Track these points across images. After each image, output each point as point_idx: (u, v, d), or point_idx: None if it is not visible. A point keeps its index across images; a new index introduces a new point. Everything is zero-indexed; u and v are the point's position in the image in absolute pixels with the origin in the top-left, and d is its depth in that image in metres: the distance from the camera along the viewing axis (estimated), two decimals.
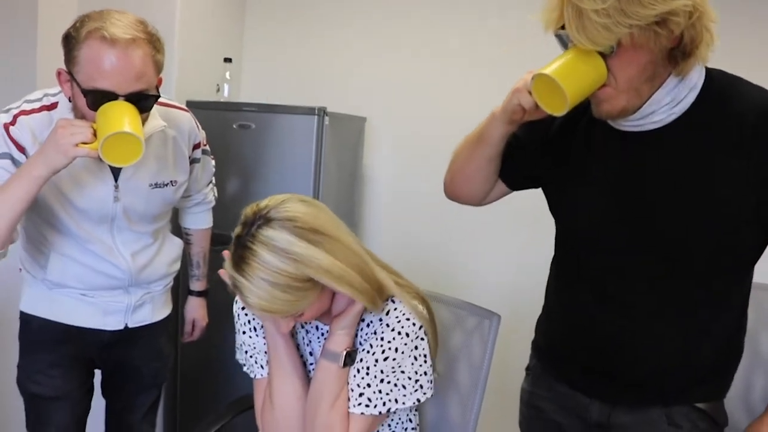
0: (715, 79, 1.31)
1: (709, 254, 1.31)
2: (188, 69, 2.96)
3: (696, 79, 1.29)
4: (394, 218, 3.33)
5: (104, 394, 2.04)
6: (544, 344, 1.59)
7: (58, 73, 1.61)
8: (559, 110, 1.28)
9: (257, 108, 2.92)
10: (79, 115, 1.61)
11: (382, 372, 1.41)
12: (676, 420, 1.39)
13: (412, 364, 1.43)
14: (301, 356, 1.53)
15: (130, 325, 1.89)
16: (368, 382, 1.42)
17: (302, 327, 1.56)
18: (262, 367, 1.56)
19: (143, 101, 1.57)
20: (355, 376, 1.43)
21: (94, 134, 1.50)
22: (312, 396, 1.44)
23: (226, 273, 1.33)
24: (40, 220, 1.74)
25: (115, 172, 1.72)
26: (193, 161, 1.94)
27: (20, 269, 1.88)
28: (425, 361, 1.45)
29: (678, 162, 1.30)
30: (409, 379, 1.44)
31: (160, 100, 1.69)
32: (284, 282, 1.27)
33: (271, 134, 2.87)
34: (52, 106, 1.67)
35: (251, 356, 1.57)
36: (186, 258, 2.16)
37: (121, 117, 1.49)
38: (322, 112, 2.84)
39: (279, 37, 3.60)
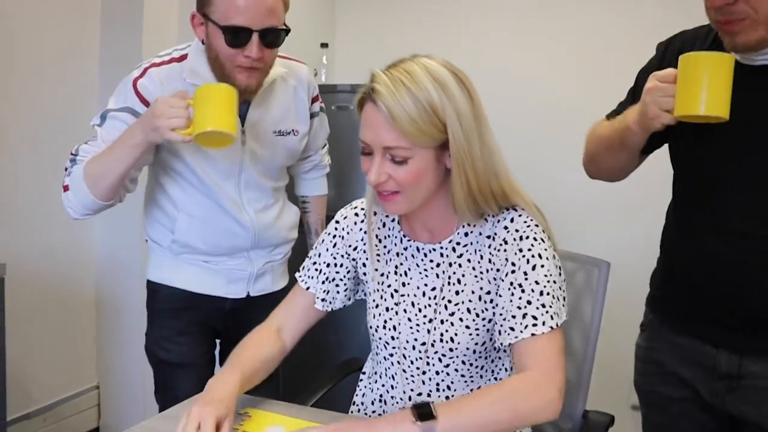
0: None
1: None
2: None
3: None
4: None
5: (223, 364, 2.10)
6: (662, 297, 1.56)
7: (192, 17, 1.69)
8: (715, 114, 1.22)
9: (353, 89, 2.96)
10: (213, 56, 1.67)
11: (537, 283, 1.28)
12: None
13: (556, 268, 1.32)
14: (390, 287, 1.44)
15: (252, 294, 1.94)
16: (527, 299, 1.28)
17: (401, 244, 1.45)
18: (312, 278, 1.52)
19: (276, 36, 1.65)
20: (511, 300, 1.29)
21: (189, 119, 1.53)
22: None
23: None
24: (171, 180, 1.81)
25: (242, 116, 1.77)
26: (312, 115, 1.99)
27: (146, 240, 1.95)
28: (560, 274, 1.33)
29: None
30: (560, 289, 1.32)
31: (280, 53, 1.75)
32: (423, 99, 1.23)
33: None
34: (182, 58, 1.76)
35: (318, 271, 1.52)
36: (304, 228, 2.19)
37: (218, 108, 1.51)
38: None
39: (368, 21, 3.64)
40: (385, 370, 1.48)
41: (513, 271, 1.31)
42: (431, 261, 1.41)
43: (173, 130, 1.52)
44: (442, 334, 1.38)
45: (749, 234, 1.35)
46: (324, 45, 3.32)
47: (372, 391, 1.54)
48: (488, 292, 1.36)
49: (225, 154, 1.78)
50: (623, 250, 2.86)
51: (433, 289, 1.41)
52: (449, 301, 1.38)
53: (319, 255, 1.53)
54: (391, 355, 1.46)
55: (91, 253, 2.92)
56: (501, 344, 1.31)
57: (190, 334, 1.91)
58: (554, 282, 1.30)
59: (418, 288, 1.42)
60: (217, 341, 2.04)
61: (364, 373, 1.61)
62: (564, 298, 1.33)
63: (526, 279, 1.29)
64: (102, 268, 2.93)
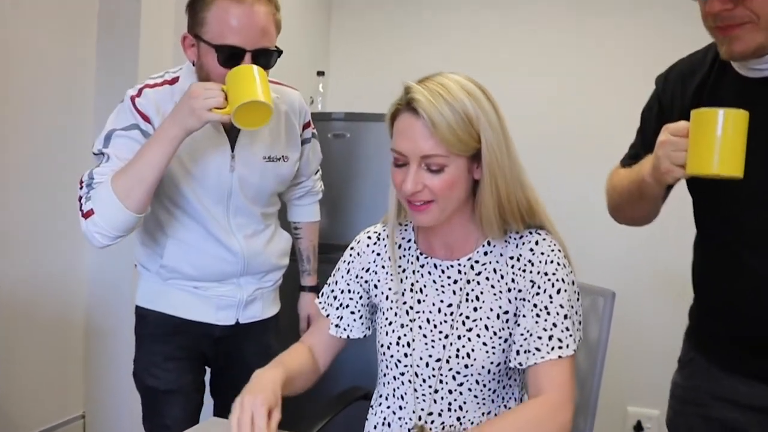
0: None
1: None
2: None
3: None
4: None
5: (213, 392, 2.07)
6: (704, 332, 1.48)
7: (183, 38, 1.70)
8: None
9: (347, 117, 2.96)
10: (204, 77, 1.67)
11: (561, 307, 1.34)
12: None
13: (575, 293, 1.38)
14: (405, 304, 1.46)
15: (241, 321, 1.92)
16: (553, 321, 1.33)
17: (417, 262, 1.48)
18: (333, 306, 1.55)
19: (268, 57, 1.66)
20: (537, 322, 1.34)
21: (225, 98, 1.56)
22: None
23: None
24: (160, 205, 1.79)
25: (232, 141, 1.79)
26: (303, 141, 1.98)
27: (135, 265, 1.93)
28: (577, 299, 1.39)
29: None
30: (576, 313, 1.37)
31: (271, 78, 1.74)
32: (460, 109, 1.29)
33: (366, 142, 2.90)
34: (174, 81, 1.76)
35: (337, 300, 1.55)
36: (295, 254, 2.18)
37: (252, 83, 1.55)
38: None
39: (364, 48, 3.66)
40: (393, 390, 1.47)
41: (537, 294, 1.35)
42: (449, 278, 1.44)
43: (210, 110, 1.54)
44: (458, 350, 1.39)
45: None
46: (320, 73, 3.32)
47: (375, 415, 1.52)
48: (506, 312, 1.39)
49: (214, 177, 1.78)
50: (626, 277, 2.85)
51: (450, 305, 1.42)
52: (467, 317, 1.40)
53: (336, 282, 1.57)
54: (402, 374, 1.45)
55: (81, 277, 2.88)
56: (520, 364, 1.34)
57: (178, 360, 1.88)
58: (572, 307, 1.36)
59: (433, 305, 1.44)
60: (207, 368, 2.01)
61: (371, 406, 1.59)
62: (580, 323, 1.39)
63: (551, 302, 1.34)
64: (92, 293, 2.89)
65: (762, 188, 1.29)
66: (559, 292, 1.34)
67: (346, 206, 2.94)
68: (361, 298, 1.54)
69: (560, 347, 1.31)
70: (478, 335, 1.38)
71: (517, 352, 1.35)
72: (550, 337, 1.32)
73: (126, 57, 2.75)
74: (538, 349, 1.32)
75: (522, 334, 1.35)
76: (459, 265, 1.43)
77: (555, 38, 3.40)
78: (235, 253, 1.85)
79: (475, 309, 1.40)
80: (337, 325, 1.54)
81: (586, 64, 3.34)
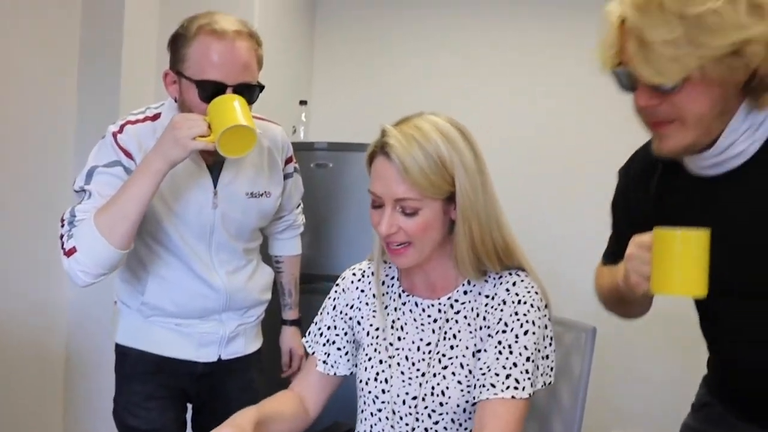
0: None
1: None
2: (267, 114, 3.04)
3: None
4: None
5: (194, 429, 2.04)
6: (720, 384, 1.45)
7: (165, 75, 1.70)
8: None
9: (330, 147, 2.96)
10: (186, 112, 1.66)
11: (525, 348, 1.32)
12: None
13: (544, 339, 1.37)
14: (385, 341, 1.46)
15: (224, 357, 1.90)
16: (514, 361, 1.31)
17: (399, 299, 1.48)
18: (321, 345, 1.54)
19: (250, 92, 1.65)
20: (498, 358, 1.32)
21: (209, 128, 1.56)
22: None
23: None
24: (142, 242, 1.77)
25: (214, 178, 1.78)
26: (286, 176, 1.98)
27: (115, 302, 1.91)
28: (550, 344, 1.38)
29: None
30: (543, 358, 1.36)
31: (253, 114, 1.74)
32: (433, 153, 1.30)
33: (349, 172, 2.90)
34: (155, 117, 1.76)
35: (324, 338, 1.54)
36: (277, 288, 2.17)
37: (233, 109, 1.56)
38: None
39: (347, 78, 3.67)
40: (371, 427, 1.46)
41: (504, 331, 1.34)
42: (429, 316, 1.44)
43: (194, 138, 1.54)
44: (433, 388, 1.38)
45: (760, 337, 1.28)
46: (303, 102, 3.32)
47: None
48: (480, 350, 1.38)
49: (196, 214, 1.77)
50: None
51: (428, 343, 1.42)
52: (443, 355, 1.40)
53: (322, 319, 1.57)
54: (380, 410, 1.44)
55: (61, 312, 2.84)
56: (475, 398, 1.33)
57: (160, 399, 1.85)
58: (538, 351, 1.34)
59: (413, 342, 1.43)
60: (189, 405, 1.98)
61: None
62: (551, 368, 1.38)
63: (516, 341, 1.33)
64: (72, 328, 2.86)
65: (730, 282, 1.25)
66: (526, 333, 1.33)
67: (328, 236, 2.93)
68: (346, 334, 1.53)
69: (516, 387, 1.29)
70: (453, 373, 1.37)
71: (475, 386, 1.34)
72: (508, 376, 1.30)
73: (107, 91, 2.76)
74: (493, 385, 1.30)
75: (481, 369, 1.33)
76: (439, 304, 1.43)
77: (543, 67, 3.43)
78: (217, 290, 1.83)
79: (452, 347, 1.39)
80: (324, 362, 1.53)
81: (576, 93, 3.38)
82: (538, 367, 1.34)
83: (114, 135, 1.70)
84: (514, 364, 1.31)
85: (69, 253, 1.59)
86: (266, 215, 1.93)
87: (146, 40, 2.86)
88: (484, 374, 1.32)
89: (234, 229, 1.84)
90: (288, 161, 1.99)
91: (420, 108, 3.33)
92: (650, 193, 1.36)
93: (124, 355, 1.89)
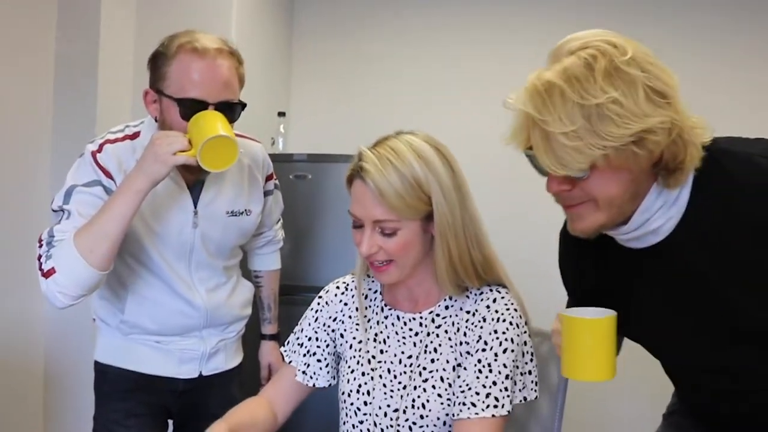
0: (704, 163, 1.16)
1: None
2: (245, 125, 3.04)
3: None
4: None
5: None
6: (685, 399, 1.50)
7: (145, 94, 1.68)
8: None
9: (310, 158, 2.96)
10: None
11: (504, 366, 1.34)
12: None
13: (523, 356, 1.39)
14: (368, 353, 1.47)
15: (205, 373, 1.89)
16: (493, 379, 1.33)
17: (381, 313, 1.50)
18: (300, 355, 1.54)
19: (231, 110, 1.64)
20: (478, 377, 1.34)
21: (189, 143, 1.55)
22: None
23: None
24: (121, 260, 1.75)
25: (195, 198, 1.77)
26: (266, 193, 1.97)
27: (93, 319, 1.90)
28: (531, 359, 1.41)
29: (703, 264, 1.18)
30: (522, 374, 1.39)
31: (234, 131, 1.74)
32: (408, 175, 1.31)
33: (327, 184, 2.90)
34: (135, 135, 1.74)
35: (302, 348, 1.55)
36: (256, 302, 2.16)
37: (214, 123, 1.56)
38: None
39: (325, 89, 3.68)
40: None
41: (484, 350, 1.36)
42: (410, 330, 1.46)
43: (175, 154, 1.53)
44: (414, 400, 1.40)
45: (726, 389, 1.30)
46: (281, 114, 3.33)
47: None
48: (459, 364, 1.40)
49: (177, 233, 1.76)
50: None
51: (410, 356, 1.44)
52: (424, 368, 1.41)
53: (302, 330, 1.58)
54: (362, 422, 1.45)
55: (38, 330, 2.81)
56: (455, 415, 1.34)
57: (140, 416, 1.83)
58: (517, 368, 1.37)
59: (395, 355, 1.45)
60: (170, 422, 1.97)
61: None
62: (534, 382, 1.41)
63: (495, 360, 1.35)
64: (50, 347, 2.83)
65: (677, 342, 1.29)
66: (505, 351, 1.35)
67: (307, 248, 2.93)
68: (327, 346, 1.54)
69: (495, 406, 1.32)
70: (434, 386, 1.39)
71: (455, 404, 1.36)
72: (488, 395, 1.33)
73: (83, 105, 2.74)
74: (473, 404, 1.32)
75: (461, 387, 1.36)
76: (421, 317, 1.45)
77: (525, 79, 3.45)
78: (197, 308, 1.82)
79: (432, 361, 1.41)
80: (304, 372, 1.54)
81: None
82: (516, 383, 1.37)
83: (93, 154, 1.68)
84: (494, 383, 1.33)
85: (47, 274, 1.56)
86: (246, 233, 1.93)
87: (122, 51, 2.85)
88: (463, 392, 1.35)
89: (213, 247, 1.83)
90: (268, 178, 1.98)
91: (397, 119, 3.37)
92: (588, 259, 1.36)
93: (104, 373, 1.87)
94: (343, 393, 1.48)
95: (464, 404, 1.33)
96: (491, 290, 1.42)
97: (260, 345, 2.21)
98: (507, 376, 1.34)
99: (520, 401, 1.38)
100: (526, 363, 1.40)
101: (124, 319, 1.80)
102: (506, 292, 1.42)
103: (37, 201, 2.65)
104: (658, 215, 1.17)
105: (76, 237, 1.56)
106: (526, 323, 1.41)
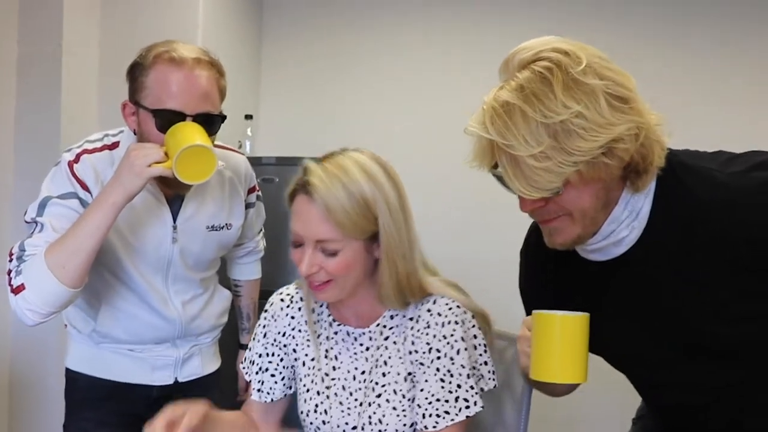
0: (664, 177, 1.17)
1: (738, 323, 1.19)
2: None
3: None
4: None
5: None
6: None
7: (123, 106, 1.64)
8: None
9: (279, 161, 2.96)
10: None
11: (463, 367, 1.35)
12: None
13: (475, 349, 1.39)
14: (320, 371, 1.46)
15: (180, 379, 1.86)
16: (458, 383, 1.35)
17: (330, 328, 1.47)
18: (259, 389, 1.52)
19: (210, 122, 1.59)
20: (443, 386, 1.34)
21: (166, 155, 1.51)
22: None
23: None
24: (96, 272, 1.71)
25: (174, 212, 1.73)
26: (248, 206, 1.93)
27: (65, 325, 1.86)
28: (485, 351, 1.40)
29: (665, 278, 1.19)
30: (482, 365, 1.39)
31: (216, 142, 1.71)
32: (357, 193, 1.28)
33: None
34: (114, 146, 1.69)
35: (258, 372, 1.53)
36: (235, 311, 2.13)
37: (191, 134, 1.51)
38: None
39: (294, 92, 3.68)
40: None
41: (438, 358, 1.36)
42: (361, 345, 1.44)
43: (150, 165, 1.48)
44: (370, 417, 1.39)
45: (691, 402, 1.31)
46: (248, 117, 3.31)
47: None
48: (410, 373, 1.39)
49: (154, 249, 1.72)
50: None
51: (363, 372, 1.42)
52: (377, 383, 1.40)
53: (252, 348, 1.55)
54: None
55: (3, 335, 2.76)
56: (426, 427, 1.34)
57: (112, 425, 1.80)
58: (477, 361, 1.39)
59: (348, 372, 1.43)
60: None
61: None
62: (492, 371, 1.41)
63: (453, 364, 1.35)
64: (16, 353, 2.78)
65: (639, 356, 1.30)
66: (459, 352, 1.35)
67: (275, 251, 2.91)
68: (282, 360, 1.51)
69: (467, 407, 1.34)
70: (387, 400, 1.38)
71: (424, 416, 1.35)
72: (457, 399, 1.34)
73: (48, 110, 2.69)
74: (447, 413, 1.33)
75: (427, 398, 1.35)
76: (369, 332, 1.43)
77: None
78: (172, 321, 1.79)
79: (384, 374, 1.40)
80: (259, 390, 1.51)
81: None
82: (480, 376, 1.38)
83: (70, 164, 1.63)
84: (459, 386, 1.34)
85: (17, 290, 1.52)
86: (227, 246, 1.90)
87: (87, 55, 2.81)
88: (431, 403, 1.34)
89: (192, 261, 1.80)
90: (251, 191, 1.94)
91: (366, 122, 3.37)
92: (550, 277, 1.35)
93: (75, 380, 1.84)
94: (302, 413, 1.47)
95: (439, 415, 1.34)
96: (426, 298, 1.40)
97: (239, 354, 2.18)
98: (468, 375, 1.35)
99: (481, 390, 1.39)
100: (480, 354, 1.40)
101: (97, 329, 1.77)
102: (441, 296, 1.40)
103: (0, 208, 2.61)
104: (624, 225, 1.17)
105: (48, 252, 1.51)
106: (473, 317, 1.40)
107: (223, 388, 2.02)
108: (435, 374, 1.35)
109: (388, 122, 3.48)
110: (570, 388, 1.29)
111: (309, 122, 3.59)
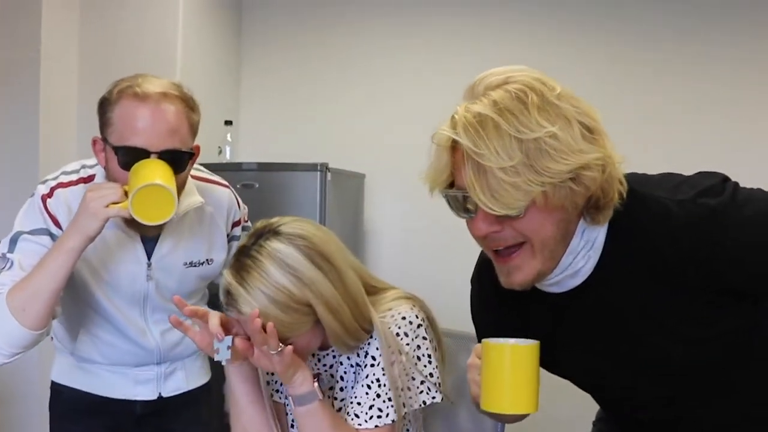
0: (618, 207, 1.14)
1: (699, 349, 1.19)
2: None
3: None
4: (397, 271, 3.35)
5: None
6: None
7: (94, 142, 1.60)
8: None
9: (260, 167, 2.97)
10: (112, 181, 1.56)
11: (392, 380, 1.37)
12: None
13: (416, 364, 1.39)
14: (329, 382, 1.48)
15: (165, 395, 1.81)
16: (377, 392, 1.37)
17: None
18: None
19: (177, 160, 1.52)
20: (367, 393, 1.38)
21: (126, 195, 1.46)
22: None
23: (224, 278, 1.33)
24: (74, 300, 1.70)
25: (149, 250, 1.68)
26: (232, 239, 1.84)
27: (51, 338, 1.82)
28: (429, 362, 1.41)
29: (623, 304, 1.18)
30: (413, 380, 1.40)
31: (200, 175, 1.69)
32: (283, 300, 1.27)
33: (275, 192, 2.91)
34: (89, 179, 1.65)
35: None
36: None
37: (152, 172, 1.45)
38: (324, 168, 2.90)
39: (274, 98, 3.69)
40: None
41: (372, 365, 1.39)
42: (324, 365, 1.49)
43: (107, 206, 1.44)
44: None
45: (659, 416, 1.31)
46: (228, 122, 3.32)
47: None
48: (357, 381, 1.44)
49: (128, 285, 1.69)
50: None
51: (331, 388, 1.47)
52: (336, 398, 1.46)
53: None
54: None
55: None
56: (352, 422, 1.39)
57: None
58: (408, 375, 1.39)
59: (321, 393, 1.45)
60: None
61: None
62: (437, 384, 1.41)
63: (383, 374, 1.38)
64: None
65: (606, 380, 1.30)
66: (393, 363, 1.37)
67: None
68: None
69: (379, 416, 1.37)
70: (348, 413, 1.41)
71: (347, 412, 1.40)
72: (371, 407, 1.37)
73: (26, 117, 2.67)
74: (357, 415, 1.38)
75: (350, 398, 1.40)
76: (333, 351, 1.47)
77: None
78: (150, 350, 1.76)
79: (342, 389, 1.45)
80: (278, 390, 1.53)
81: None
82: (410, 389, 1.39)
83: (43, 199, 1.60)
84: (378, 395, 1.37)
85: None
86: (209, 278, 1.83)
87: (66, 60, 2.80)
88: (351, 404, 1.40)
89: (170, 294, 1.68)
90: (236, 224, 1.85)
91: (346, 127, 3.34)
92: (505, 307, 1.29)
93: (59, 393, 1.82)
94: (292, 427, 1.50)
95: (348, 414, 1.39)
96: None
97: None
98: (397, 387, 1.36)
99: (420, 406, 1.40)
100: (425, 366, 1.40)
101: (75, 352, 1.76)
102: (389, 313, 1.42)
103: None
104: (580, 256, 1.15)
105: (9, 294, 1.50)
106: (419, 326, 1.40)
107: (212, 406, 1.95)
108: (364, 380, 1.39)
109: (369, 127, 3.50)
110: (520, 417, 1.22)
111: (289, 127, 3.60)
